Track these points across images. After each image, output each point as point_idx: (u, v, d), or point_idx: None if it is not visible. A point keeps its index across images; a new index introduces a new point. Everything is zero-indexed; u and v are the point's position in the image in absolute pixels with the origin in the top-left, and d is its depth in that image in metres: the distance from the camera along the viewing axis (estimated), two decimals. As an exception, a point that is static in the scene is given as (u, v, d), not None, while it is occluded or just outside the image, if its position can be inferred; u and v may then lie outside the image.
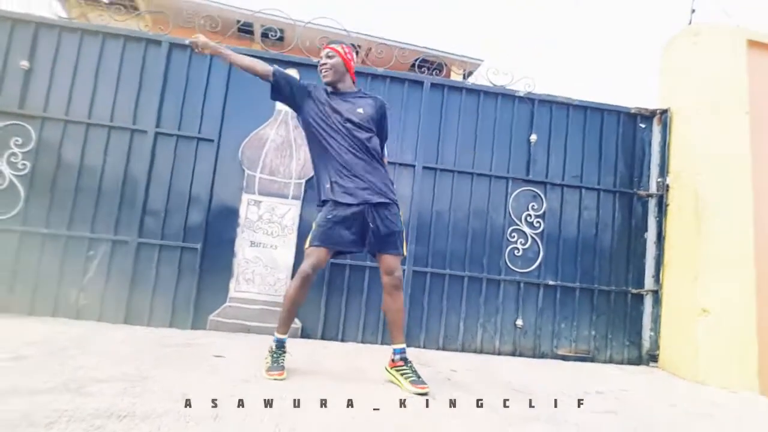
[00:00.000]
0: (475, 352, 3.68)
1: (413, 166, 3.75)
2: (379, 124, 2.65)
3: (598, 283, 3.86)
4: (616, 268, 3.90)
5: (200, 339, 3.09)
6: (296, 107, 2.65)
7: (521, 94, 3.93)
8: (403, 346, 2.52)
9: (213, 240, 3.54)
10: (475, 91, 3.91)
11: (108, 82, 3.58)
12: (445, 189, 3.80)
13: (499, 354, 3.70)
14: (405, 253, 2.59)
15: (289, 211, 3.62)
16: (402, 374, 2.43)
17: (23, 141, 3.42)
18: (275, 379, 2.32)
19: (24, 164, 3.40)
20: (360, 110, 2.56)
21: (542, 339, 3.77)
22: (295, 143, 3.68)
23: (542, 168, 3.92)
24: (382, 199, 2.49)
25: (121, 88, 3.59)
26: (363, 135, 2.53)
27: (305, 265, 2.43)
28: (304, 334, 3.52)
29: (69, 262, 3.37)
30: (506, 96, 3.93)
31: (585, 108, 4.00)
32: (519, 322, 3.74)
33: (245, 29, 8.85)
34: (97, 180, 3.48)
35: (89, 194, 3.46)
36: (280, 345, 2.50)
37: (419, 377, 2.40)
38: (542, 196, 3.87)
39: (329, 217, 2.46)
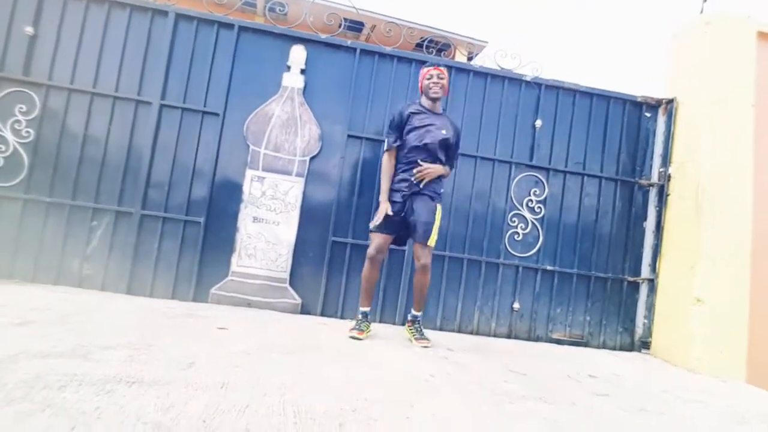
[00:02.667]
0: (471, 333, 3.74)
1: (417, 147, 3.75)
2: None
3: (596, 269, 3.91)
4: (613, 256, 3.95)
5: (202, 311, 3.13)
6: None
7: (528, 79, 3.91)
8: (416, 313, 3.14)
9: (216, 214, 3.56)
10: (482, 74, 3.90)
11: (113, 52, 3.55)
12: (448, 171, 3.81)
13: (495, 336, 3.77)
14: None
15: (293, 188, 3.63)
16: (409, 331, 3.13)
17: (27, 108, 3.40)
18: (353, 337, 2.92)
19: (28, 132, 3.39)
20: (444, 131, 3.05)
21: (538, 323, 3.84)
22: (300, 120, 3.67)
23: (546, 154, 3.93)
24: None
25: (126, 58, 3.56)
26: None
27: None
28: (304, 311, 3.57)
29: (72, 231, 3.39)
30: (513, 80, 3.92)
31: (591, 95, 3.99)
32: (516, 306, 3.80)
33: (248, 1, 8.73)
34: (101, 150, 3.48)
35: (93, 164, 3.46)
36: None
37: (422, 335, 3.06)
38: (544, 181, 3.89)
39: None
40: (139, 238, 3.45)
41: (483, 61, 3.93)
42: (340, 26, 3.87)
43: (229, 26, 3.66)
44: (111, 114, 3.51)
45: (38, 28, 3.47)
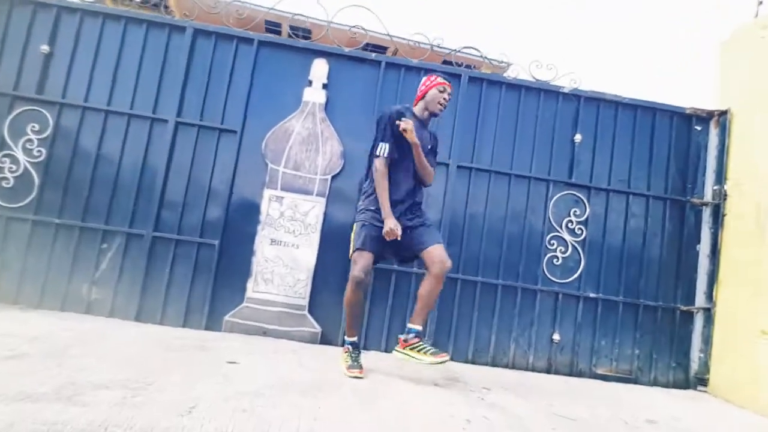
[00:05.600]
0: (506, 367, 3.40)
1: (446, 164, 3.49)
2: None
3: (644, 297, 3.54)
4: (664, 283, 3.57)
5: (213, 341, 2.88)
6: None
7: (566, 91, 3.64)
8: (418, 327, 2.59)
9: (232, 236, 3.35)
10: (516, 87, 3.64)
11: (129, 69, 3.44)
12: (480, 190, 3.53)
13: (533, 370, 3.42)
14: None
15: (313, 209, 3.40)
16: (419, 350, 2.52)
17: (40, 127, 3.29)
18: (355, 377, 2.49)
19: (39, 151, 3.27)
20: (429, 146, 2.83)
21: (580, 356, 3.47)
22: (321, 136, 3.46)
23: (586, 171, 3.62)
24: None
25: (142, 75, 3.45)
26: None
27: None
28: (324, 340, 3.30)
29: (81, 254, 3.23)
30: (549, 92, 3.65)
31: (635, 107, 3.68)
32: (556, 337, 3.45)
33: (272, 25, 8.75)
34: (114, 170, 3.33)
35: (105, 184, 3.31)
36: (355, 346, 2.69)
37: (437, 349, 2.54)
38: (585, 201, 3.57)
39: None
40: (150, 261, 3.25)
41: (517, 72, 3.69)
42: (365, 50, 3.70)
43: (249, 41, 3.52)
44: (125, 132, 3.37)
45: (54, 46, 3.38)
